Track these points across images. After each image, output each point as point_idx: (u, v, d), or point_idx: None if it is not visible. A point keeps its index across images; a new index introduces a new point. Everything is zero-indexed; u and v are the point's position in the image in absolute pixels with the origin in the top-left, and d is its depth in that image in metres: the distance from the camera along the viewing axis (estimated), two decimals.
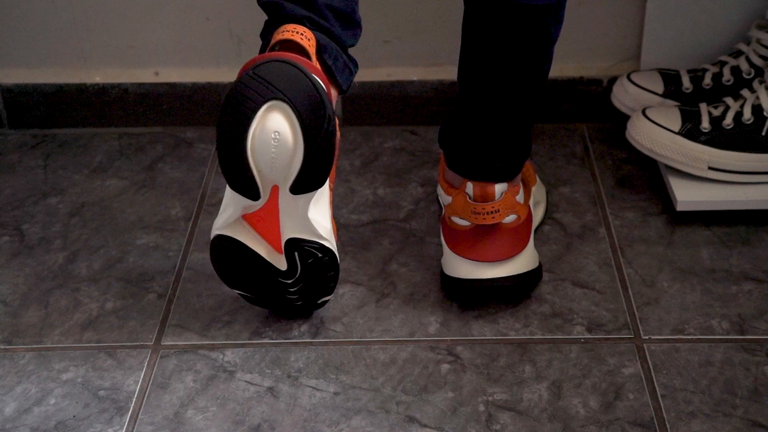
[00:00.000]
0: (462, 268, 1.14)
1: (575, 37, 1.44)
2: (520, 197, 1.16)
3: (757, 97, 1.26)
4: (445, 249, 1.16)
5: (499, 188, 1.13)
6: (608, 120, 1.46)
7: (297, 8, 1.06)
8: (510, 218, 1.15)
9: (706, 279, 1.19)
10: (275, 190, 1.04)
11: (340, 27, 1.08)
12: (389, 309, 1.16)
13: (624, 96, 1.38)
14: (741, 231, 1.26)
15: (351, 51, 1.12)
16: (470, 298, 1.16)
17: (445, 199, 1.18)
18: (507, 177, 1.14)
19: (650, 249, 1.24)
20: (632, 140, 1.31)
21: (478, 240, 1.14)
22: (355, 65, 1.11)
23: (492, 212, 1.13)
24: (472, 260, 1.13)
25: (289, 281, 1.08)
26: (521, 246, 1.14)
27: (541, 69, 1.11)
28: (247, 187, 1.02)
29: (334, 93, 1.08)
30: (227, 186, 1.05)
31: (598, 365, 1.08)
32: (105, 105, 1.49)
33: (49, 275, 1.22)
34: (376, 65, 1.47)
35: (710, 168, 1.26)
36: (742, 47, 1.35)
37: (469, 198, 1.14)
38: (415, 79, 1.47)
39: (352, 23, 1.10)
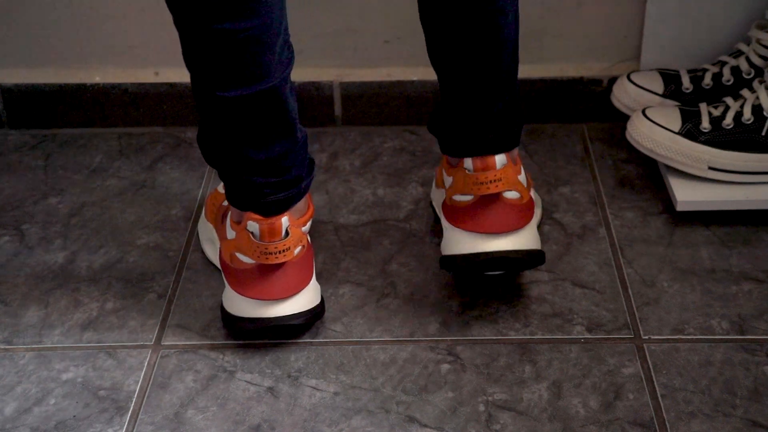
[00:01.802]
0: (465, 242, 1.11)
1: (575, 37, 1.44)
2: (522, 178, 1.14)
3: (757, 97, 1.26)
4: (447, 227, 1.14)
5: (500, 159, 1.11)
6: (608, 120, 1.46)
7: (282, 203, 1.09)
8: (512, 194, 1.13)
9: (706, 279, 1.19)
10: None
11: (307, 173, 1.12)
12: (389, 309, 1.16)
13: (624, 96, 1.38)
14: (741, 231, 1.26)
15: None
16: (474, 272, 1.14)
17: (447, 180, 1.16)
18: (505, 147, 1.12)
19: (650, 249, 1.24)
20: (632, 140, 1.31)
21: (482, 212, 1.11)
22: (312, 163, 1.14)
23: (495, 180, 1.10)
24: (476, 232, 1.11)
25: None
26: (525, 220, 1.12)
27: (509, 42, 1.08)
28: None
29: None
30: None
31: (598, 365, 1.08)
32: (105, 105, 1.49)
33: (49, 275, 1.22)
34: (376, 65, 1.47)
35: (710, 168, 1.26)
36: (742, 47, 1.35)
37: (469, 171, 1.11)
38: (415, 79, 1.47)
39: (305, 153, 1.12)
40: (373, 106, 1.48)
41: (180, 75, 1.48)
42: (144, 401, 1.05)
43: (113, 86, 1.48)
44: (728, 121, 1.26)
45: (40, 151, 1.46)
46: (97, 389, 1.07)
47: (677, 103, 1.34)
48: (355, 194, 1.35)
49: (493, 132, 1.11)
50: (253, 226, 1.08)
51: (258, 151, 1.06)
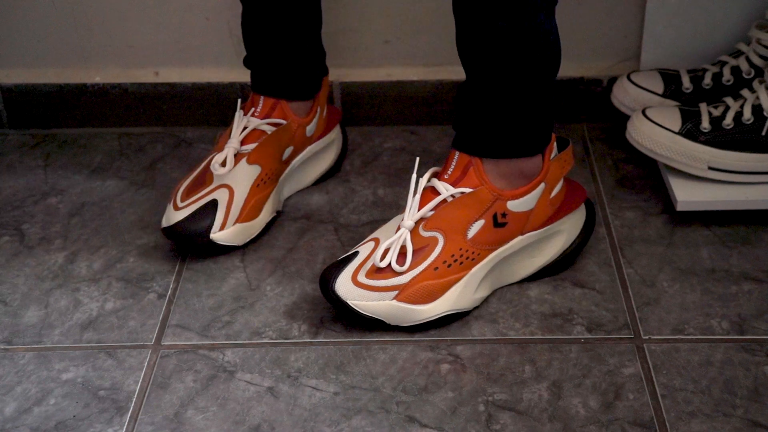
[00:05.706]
0: None
1: (575, 37, 1.44)
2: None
3: (757, 97, 1.26)
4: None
5: None
6: (608, 120, 1.46)
7: None
8: None
9: (706, 279, 1.19)
10: None
11: None
12: None
13: (624, 96, 1.38)
14: (741, 231, 1.26)
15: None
16: None
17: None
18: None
19: (650, 249, 1.24)
20: (632, 140, 1.31)
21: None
22: None
23: None
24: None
25: None
26: None
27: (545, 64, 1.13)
28: None
29: None
30: None
31: (598, 365, 1.08)
32: (105, 105, 1.49)
33: (49, 275, 1.22)
34: (376, 65, 1.47)
35: (710, 168, 1.26)
36: (742, 47, 1.35)
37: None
38: (415, 79, 1.47)
39: None
40: (373, 106, 1.48)
41: (180, 75, 1.48)
42: (144, 401, 1.05)
43: (113, 86, 1.48)
44: (728, 121, 1.26)
45: (40, 151, 1.46)
46: (97, 389, 1.07)
47: (677, 103, 1.34)
48: (355, 194, 1.35)
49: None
50: None
51: None
